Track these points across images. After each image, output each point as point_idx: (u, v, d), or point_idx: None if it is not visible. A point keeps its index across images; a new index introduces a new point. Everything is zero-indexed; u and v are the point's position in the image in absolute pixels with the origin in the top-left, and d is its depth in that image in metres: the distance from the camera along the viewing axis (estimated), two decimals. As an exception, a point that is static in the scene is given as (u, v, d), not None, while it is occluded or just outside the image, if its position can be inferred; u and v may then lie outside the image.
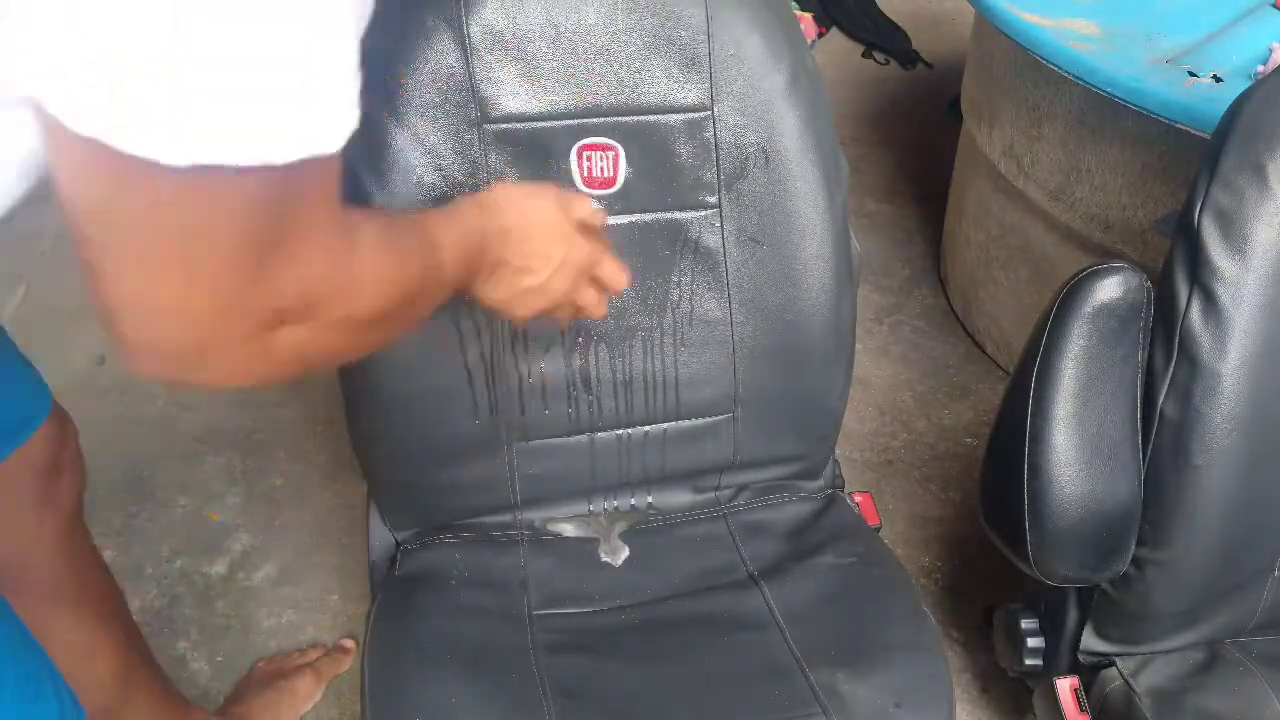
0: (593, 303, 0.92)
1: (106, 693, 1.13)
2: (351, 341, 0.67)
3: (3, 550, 0.80)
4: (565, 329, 1.08)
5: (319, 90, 0.51)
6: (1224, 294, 1.00)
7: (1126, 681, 1.11)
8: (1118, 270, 1.04)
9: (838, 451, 1.26)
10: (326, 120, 0.52)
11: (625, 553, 1.15)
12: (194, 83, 0.46)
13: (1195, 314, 1.01)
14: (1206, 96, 1.44)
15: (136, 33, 0.44)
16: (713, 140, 1.06)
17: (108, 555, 1.64)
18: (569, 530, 1.18)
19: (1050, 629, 1.21)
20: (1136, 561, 1.08)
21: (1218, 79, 1.49)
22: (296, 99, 0.50)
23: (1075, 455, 1.04)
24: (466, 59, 1.00)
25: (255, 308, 0.55)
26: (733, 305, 1.12)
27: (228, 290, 0.53)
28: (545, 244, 0.86)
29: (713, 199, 1.09)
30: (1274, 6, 1.67)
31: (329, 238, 0.59)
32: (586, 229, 0.90)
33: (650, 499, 1.20)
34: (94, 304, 0.51)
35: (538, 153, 1.04)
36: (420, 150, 1.00)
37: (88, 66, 0.45)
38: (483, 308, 0.88)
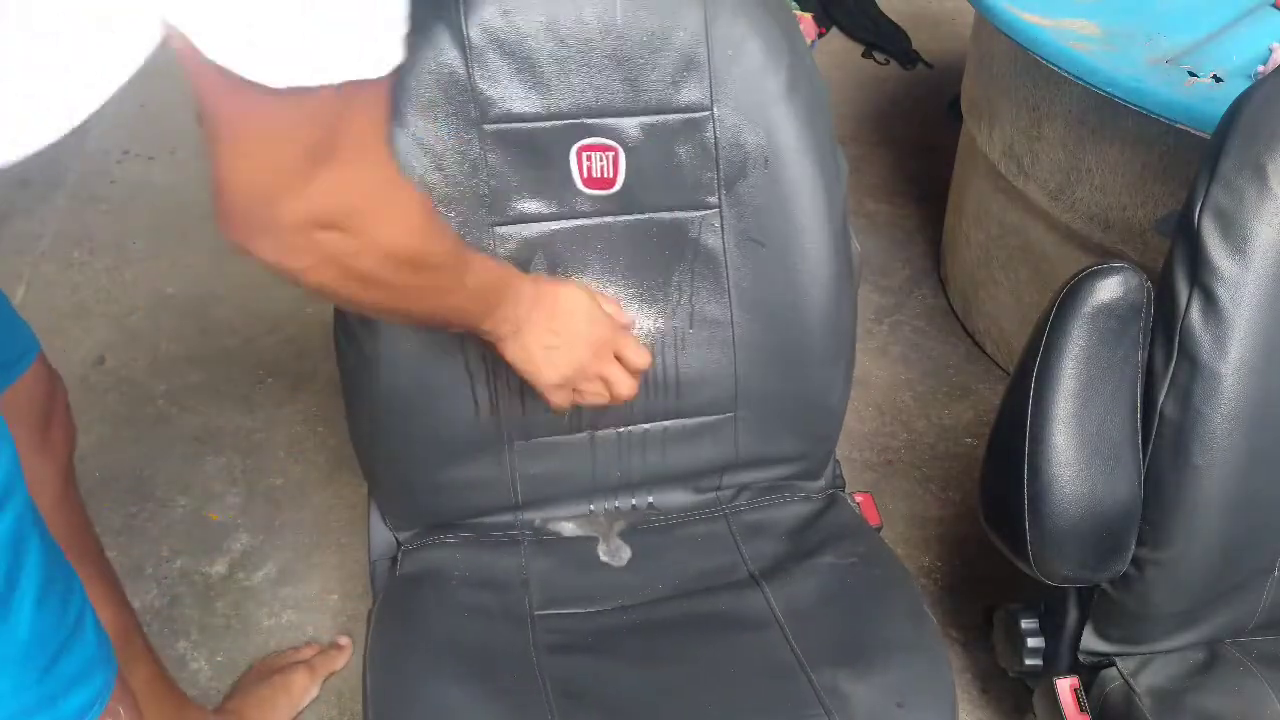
0: (618, 379, 0.99)
1: None
2: (376, 272, 0.76)
3: None
4: (590, 407, 1.04)
5: (377, 22, 0.63)
6: (1224, 294, 1.00)
7: (1126, 681, 1.11)
8: (1118, 270, 1.04)
9: (838, 451, 1.26)
10: (373, 52, 0.64)
11: (627, 554, 1.15)
12: (298, 20, 0.59)
13: (1195, 314, 1.01)
14: (1206, 96, 1.44)
15: None
16: (712, 141, 1.06)
17: (108, 555, 1.65)
18: (570, 530, 1.18)
19: (1050, 629, 1.21)
20: (1136, 561, 1.08)
21: (1218, 79, 1.49)
22: (362, 30, 0.62)
23: (1075, 455, 1.04)
24: (466, 59, 1.00)
25: (309, 198, 0.67)
26: (733, 305, 1.12)
27: (290, 178, 0.66)
28: (572, 317, 0.96)
29: (712, 199, 1.09)
30: (1274, 6, 1.67)
31: (373, 159, 0.71)
32: (612, 320, 1.00)
33: (651, 499, 1.20)
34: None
35: (538, 153, 1.04)
36: (420, 150, 1.00)
37: (226, 7, 0.58)
38: (509, 367, 0.95)
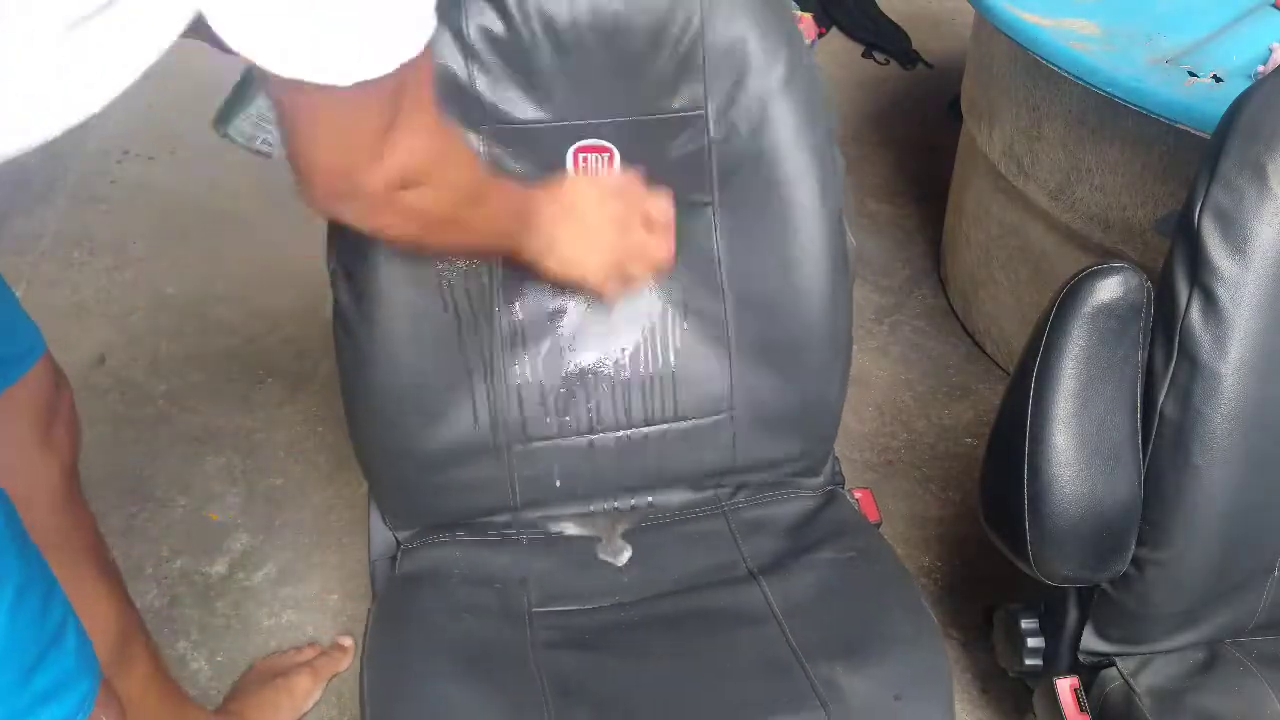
0: (651, 245, 1.03)
1: (106, 652, 1.13)
2: (451, 214, 0.83)
3: (6, 486, 0.81)
4: (646, 285, 1.10)
5: (412, 10, 0.67)
6: (1224, 294, 1.00)
7: (1126, 681, 1.11)
8: (1118, 270, 1.04)
9: (837, 451, 1.26)
10: (417, 31, 0.67)
11: (628, 554, 1.15)
12: (355, 18, 0.63)
13: (1195, 314, 1.01)
14: (1206, 96, 1.44)
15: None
16: (706, 140, 1.06)
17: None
18: (569, 530, 1.18)
19: (1050, 629, 1.21)
20: (1136, 561, 1.08)
21: (1218, 79, 1.49)
22: (408, 13, 0.66)
23: (1075, 455, 1.04)
24: (466, 62, 1.00)
25: (385, 167, 0.73)
26: (728, 304, 1.12)
27: (365, 154, 0.72)
28: (586, 208, 0.99)
29: (707, 198, 1.09)
30: (1274, 6, 1.67)
31: (428, 116, 0.76)
32: (622, 190, 1.03)
33: (650, 499, 1.20)
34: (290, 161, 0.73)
35: (536, 154, 1.05)
36: (420, 150, 1.00)
37: (283, 24, 0.62)
38: (553, 276, 1.00)
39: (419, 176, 0.76)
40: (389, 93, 0.69)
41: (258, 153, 0.95)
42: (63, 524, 1.11)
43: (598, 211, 0.99)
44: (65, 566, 1.08)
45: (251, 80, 0.91)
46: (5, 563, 0.72)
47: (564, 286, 1.06)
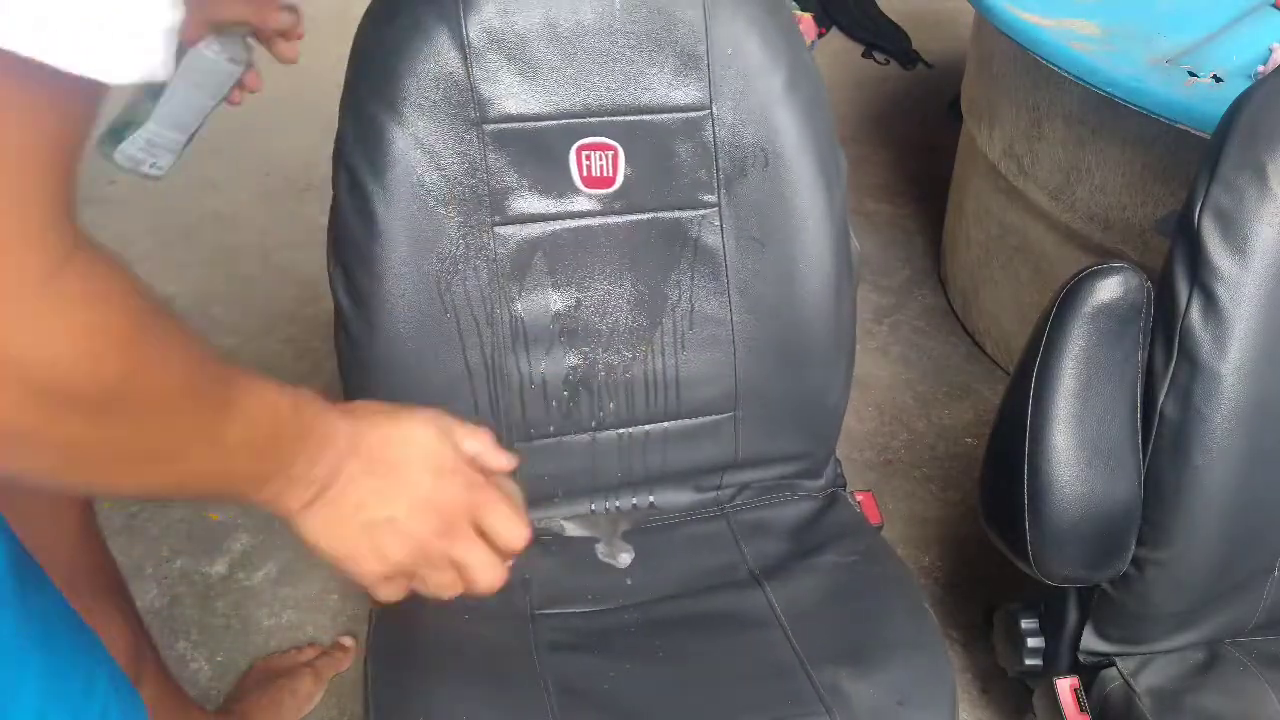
0: (479, 562, 0.65)
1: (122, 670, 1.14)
2: (19, 423, 0.45)
3: (30, 538, 0.80)
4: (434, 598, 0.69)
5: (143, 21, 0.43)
6: (1224, 294, 1.00)
7: (1126, 681, 1.11)
8: (1118, 270, 1.04)
9: (838, 451, 1.26)
10: (97, 37, 0.41)
11: (628, 558, 1.15)
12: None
13: (1195, 314, 1.01)
14: (1206, 96, 1.44)
15: None
16: (711, 139, 1.06)
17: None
18: (571, 530, 1.18)
19: (1050, 629, 1.21)
20: (1136, 561, 1.08)
21: (1218, 79, 1.49)
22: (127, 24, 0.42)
23: (1075, 455, 1.04)
24: (465, 59, 1.00)
25: (55, 259, 0.44)
26: (733, 304, 1.12)
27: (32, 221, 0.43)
28: (408, 469, 0.63)
29: (712, 198, 1.09)
30: (1274, 6, 1.67)
31: (16, 205, 0.42)
32: (481, 468, 0.68)
33: (652, 498, 1.20)
34: None
35: (537, 153, 1.04)
36: (420, 150, 1.00)
37: None
38: (313, 550, 0.62)
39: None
40: (65, 140, 0.43)
41: (145, 176, 0.92)
42: (82, 562, 1.11)
43: (425, 484, 0.64)
44: (84, 598, 1.08)
45: (144, 100, 0.89)
46: (26, 667, 0.64)
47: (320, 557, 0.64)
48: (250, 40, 0.97)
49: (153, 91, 0.90)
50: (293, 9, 0.96)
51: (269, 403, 0.57)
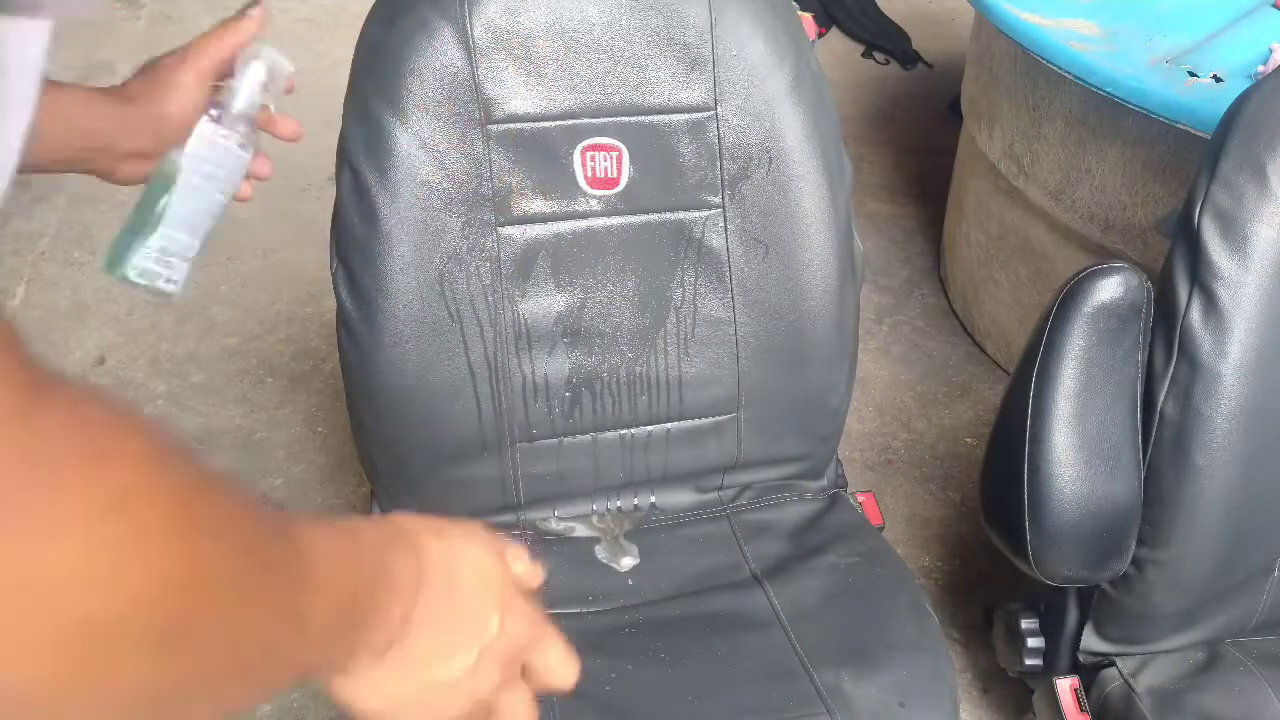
0: (521, 711, 0.57)
1: None
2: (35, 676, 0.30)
3: None
4: None
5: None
6: (1224, 294, 1.00)
7: (1126, 681, 1.11)
8: (1118, 270, 1.04)
9: (838, 451, 1.26)
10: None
11: (632, 561, 1.15)
12: None
13: (1195, 314, 1.01)
14: (1206, 96, 1.44)
15: None
16: (716, 140, 1.06)
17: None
18: (572, 530, 1.18)
19: (1050, 629, 1.21)
20: (1136, 561, 1.08)
21: (1218, 79, 1.50)
22: None
23: (1075, 455, 1.04)
24: (470, 59, 1.00)
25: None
26: (736, 305, 1.12)
27: None
28: (477, 609, 0.53)
29: (716, 199, 1.09)
30: (1274, 6, 1.67)
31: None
32: (523, 589, 0.59)
33: (653, 499, 1.20)
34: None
35: (541, 153, 1.04)
36: (424, 150, 1.00)
37: None
38: (347, 709, 0.49)
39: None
40: None
41: (159, 294, 0.78)
42: None
43: (492, 630, 0.53)
44: None
45: (151, 206, 0.77)
46: None
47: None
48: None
49: (157, 190, 0.78)
50: (257, 2, 0.83)
51: (336, 551, 0.44)
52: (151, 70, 0.81)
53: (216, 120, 0.79)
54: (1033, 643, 1.22)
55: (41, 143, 0.41)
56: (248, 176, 0.84)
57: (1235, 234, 1.00)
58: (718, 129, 1.06)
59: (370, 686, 0.48)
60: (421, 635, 0.49)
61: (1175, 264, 1.04)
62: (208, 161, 0.79)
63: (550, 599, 1.11)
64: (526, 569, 0.59)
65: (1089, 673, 1.15)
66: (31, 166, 0.43)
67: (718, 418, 1.16)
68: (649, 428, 1.15)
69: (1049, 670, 1.20)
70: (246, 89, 0.80)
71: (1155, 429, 1.04)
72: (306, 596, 0.41)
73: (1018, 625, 1.23)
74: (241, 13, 0.81)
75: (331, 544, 0.44)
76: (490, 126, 1.02)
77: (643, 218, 1.09)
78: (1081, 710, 1.12)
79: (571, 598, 1.10)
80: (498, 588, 0.55)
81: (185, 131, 0.78)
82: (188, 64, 0.80)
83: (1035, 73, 1.75)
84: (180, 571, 0.33)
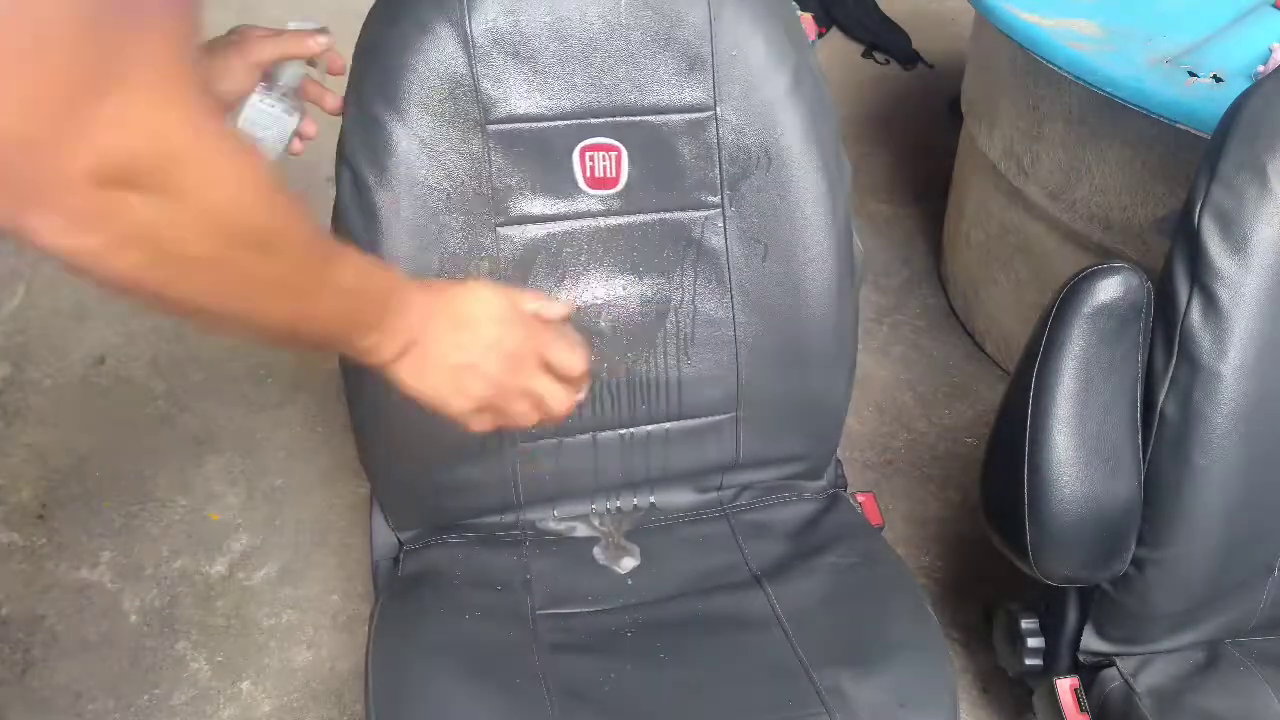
0: (549, 391, 0.81)
1: None
2: (201, 249, 0.55)
3: None
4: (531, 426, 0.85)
5: None
6: (1224, 294, 1.00)
7: (1126, 681, 1.11)
8: (1118, 270, 1.04)
9: (838, 451, 1.26)
10: None
11: (632, 562, 1.15)
12: None
13: (1195, 314, 1.01)
14: (1206, 96, 1.44)
15: None
16: (715, 140, 1.06)
17: (107, 555, 1.65)
18: (572, 530, 1.18)
19: (1050, 629, 1.21)
20: (1136, 561, 1.08)
21: (1218, 79, 1.49)
22: None
23: (1075, 455, 1.04)
24: (469, 58, 1.00)
25: (95, 141, 0.48)
26: (735, 305, 1.12)
27: (61, 114, 0.47)
28: (479, 323, 0.77)
29: (715, 199, 1.09)
30: (1274, 6, 1.67)
31: (179, 91, 0.51)
32: (539, 320, 0.82)
33: (653, 499, 1.20)
34: None
35: (541, 153, 1.04)
36: (423, 150, 1.00)
37: None
38: (407, 393, 0.77)
39: (146, 170, 0.51)
40: (102, 21, 0.47)
41: None
42: None
43: (496, 335, 0.78)
44: None
45: None
46: None
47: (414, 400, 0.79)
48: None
49: None
50: (325, 31, 0.96)
51: (360, 257, 0.71)
52: (207, 52, 0.90)
53: (266, 86, 0.94)
54: (1032, 643, 1.22)
55: None
56: (297, 135, 0.97)
57: (1235, 234, 1.00)
58: (717, 129, 1.06)
59: (412, 373, 0.75)
60: (438, 338, 0.74)
61: (1175, 264, 1.04)
62: (257, 125, 0.93)
63: (550, 599, 1.12)
64: (540, 305, 0.82)
65: (1089, 673, 1.15)
66: None
67: (717, 418, 1.16)
68: (648, 428, 1.15)
69: (1049, 670, 1.20)
70: (290, 71, 0.95)
71: (1155, 429, 1.05)
72: (340, 267, 0.67)
73: (1017, 625, 1.23)
74: (306, 33, 0.95)
75: (359, 260, 0.70)
76: (490, 126, 1.02)
77: (642, 218, 1.09)
78: (1081, 710, 1.12)
79: (573, 598, 1.10)
80: (499, 310, 0.78)
81: (235, 104, 0.92)
82: (243, 54, 0.92)
83: (1035, 73, 1.75)
84: (275, 209, 0.60)
